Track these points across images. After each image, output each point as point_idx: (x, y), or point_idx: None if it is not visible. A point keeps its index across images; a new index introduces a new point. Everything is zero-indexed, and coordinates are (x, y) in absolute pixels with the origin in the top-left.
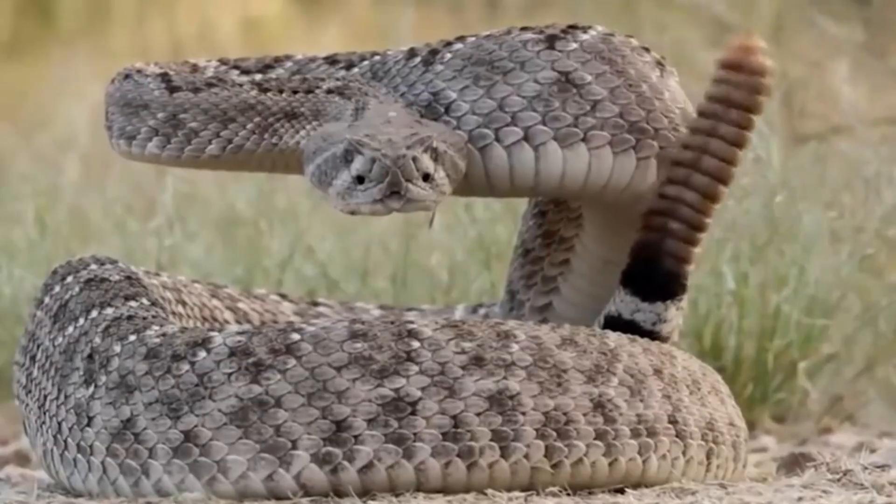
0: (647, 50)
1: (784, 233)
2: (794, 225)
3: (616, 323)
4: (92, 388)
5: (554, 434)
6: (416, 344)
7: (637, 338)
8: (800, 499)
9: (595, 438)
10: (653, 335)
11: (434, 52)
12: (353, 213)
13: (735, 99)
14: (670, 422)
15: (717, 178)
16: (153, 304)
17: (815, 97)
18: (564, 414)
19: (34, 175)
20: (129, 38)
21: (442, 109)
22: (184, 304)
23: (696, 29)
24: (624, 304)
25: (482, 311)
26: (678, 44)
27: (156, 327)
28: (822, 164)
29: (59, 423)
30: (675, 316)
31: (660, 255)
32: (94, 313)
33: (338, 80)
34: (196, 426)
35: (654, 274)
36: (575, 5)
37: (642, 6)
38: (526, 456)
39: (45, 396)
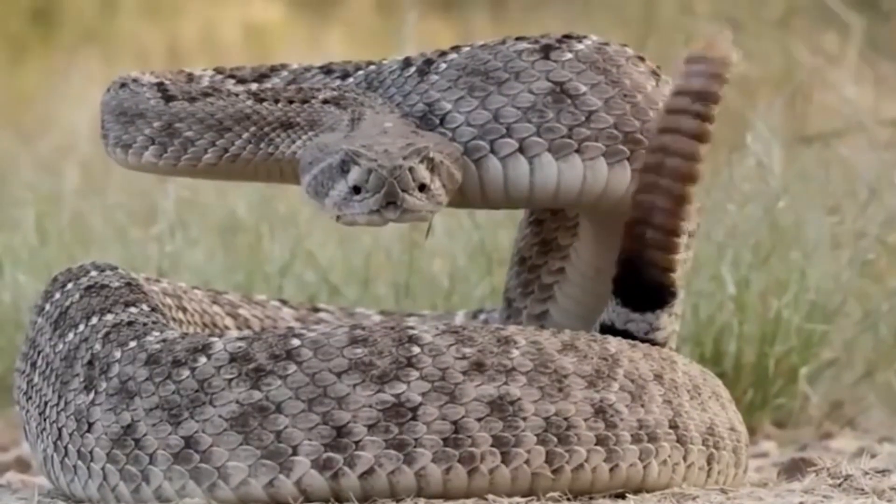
0: (642, 59)
1: (785, 238)
2: (795, 230)
3: (610, 332)
4: (92, 395)
5: (555, 439)
6: (416, 349)
7: (637, 343)
8: None
9: (596, 444)
10: (647, 343)
11: (429, 63)
12: (349, 223)
13: (693, 88)
14: (671, 427)
15: (682, 179)
16: (153, 310)
17: (820, 96)
18: (565, 419)
19: (35, 181)
20: (132, 45)
21: (437, 121)
22: (184, 310)
23: (707, 28)
24: (616, 313)
25: (482, 316)
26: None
27: (156, 333)
28: (823, 169)
29: (60, 430)
30: (670, 322)
31: (642, 266)
32: (95, 320)
33: (334, 90)
34: (196, 432)
35: (640, 285)
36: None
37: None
38: (527, 461)
39: (46, 403)
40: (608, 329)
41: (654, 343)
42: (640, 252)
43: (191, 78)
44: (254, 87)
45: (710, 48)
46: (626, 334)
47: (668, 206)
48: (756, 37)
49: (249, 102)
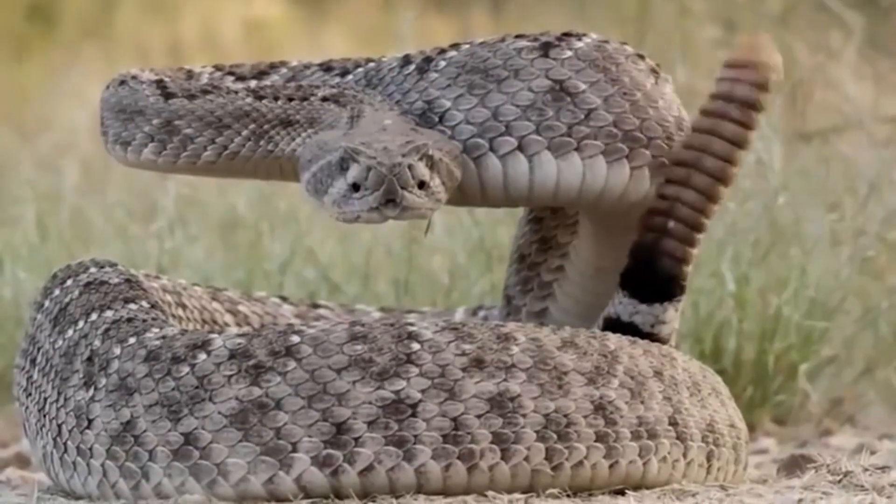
0: (641, 57)
1: (785, 235)
2: (795, 227)
3: (615, 325)
4: (92, 391)
5: (554, 436)
6: (416, 346)
7: (637, 340)
8: (800, 500)
9: (596, 440)
10: (651, 337)
11: (428, 60)
12: (348, 221)
13: (737, 96)
14: (671, 424)
15: (717, 178)
16: (153, 306)
17: (820, 94)
18: (565, 416)
19: (35, 178)
20: (132, 42)
21: (436, 118)
22: (184, 307)
23: (704, 26)
24: (623, 306)
25: (482, 313)
26: (686, 41)
27: (155, 330)
28: (823, 166)
29: (59, 426)
30: (674, 318)
31: (658, 255)
32: (94, 316)
33: (333, 87)
34: (196, 428)
35: (652, 276)
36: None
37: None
38: (526, 458)
39: (45, 399)
40: (613, 322)
41: (657, 337)
42: (657, 241)
43: (190, 75)
44: (253, 84)
45: (754, 53)
46: (631, 327)
47: (696, 202)
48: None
49: (249, 100)
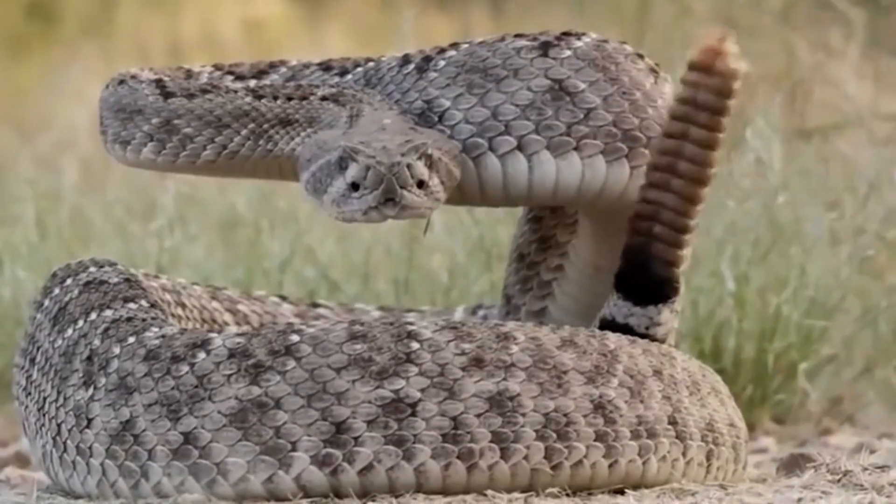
0: (640, 57)
1: (785, 234)
2: (794, 226)
3: (610, 327)
4: (91, 390)
5: (554, 435)
6: (415, 345)
7: (637, 339)
8: (800, 499)
9: (595, 440)
10: (647, 339)
11: (427, 59)
12: (348, 220)
13: (703, 102)
14: (670, 423)
15: (694, 181)
16: (152, 306)
17: (820, 91)
18: (564, 415)
19: (35, 177)
20: (132, 41)
21: (435, 118)
22: (183, 306)
23: (704, 25)
24: (617, 308)
25: (481, 312)
26: (686, 40)
27: (155, 329)
28: (823, 165)
29: (59, 425)
30: (670, 319)
31: (648, 259)
32: (94, 315)
33: (332, 86)
34: (195, 428)
35: (644, 278)
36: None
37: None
38: (526, 457)
39: (45, 398)
40: (609, 324)
41: (653, 338)
42: (646, 245)
43: (189, 74)
44: (252, 83)
45: (717, 57)
46: (626, 329)
47: (678, 206)
48: (755, 32)
49: (248, 99)
